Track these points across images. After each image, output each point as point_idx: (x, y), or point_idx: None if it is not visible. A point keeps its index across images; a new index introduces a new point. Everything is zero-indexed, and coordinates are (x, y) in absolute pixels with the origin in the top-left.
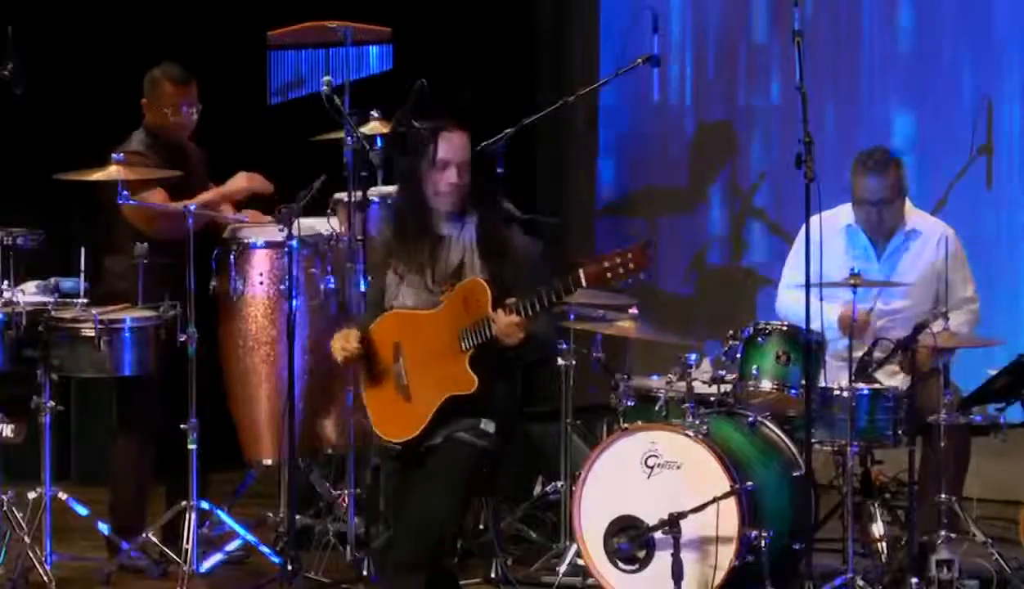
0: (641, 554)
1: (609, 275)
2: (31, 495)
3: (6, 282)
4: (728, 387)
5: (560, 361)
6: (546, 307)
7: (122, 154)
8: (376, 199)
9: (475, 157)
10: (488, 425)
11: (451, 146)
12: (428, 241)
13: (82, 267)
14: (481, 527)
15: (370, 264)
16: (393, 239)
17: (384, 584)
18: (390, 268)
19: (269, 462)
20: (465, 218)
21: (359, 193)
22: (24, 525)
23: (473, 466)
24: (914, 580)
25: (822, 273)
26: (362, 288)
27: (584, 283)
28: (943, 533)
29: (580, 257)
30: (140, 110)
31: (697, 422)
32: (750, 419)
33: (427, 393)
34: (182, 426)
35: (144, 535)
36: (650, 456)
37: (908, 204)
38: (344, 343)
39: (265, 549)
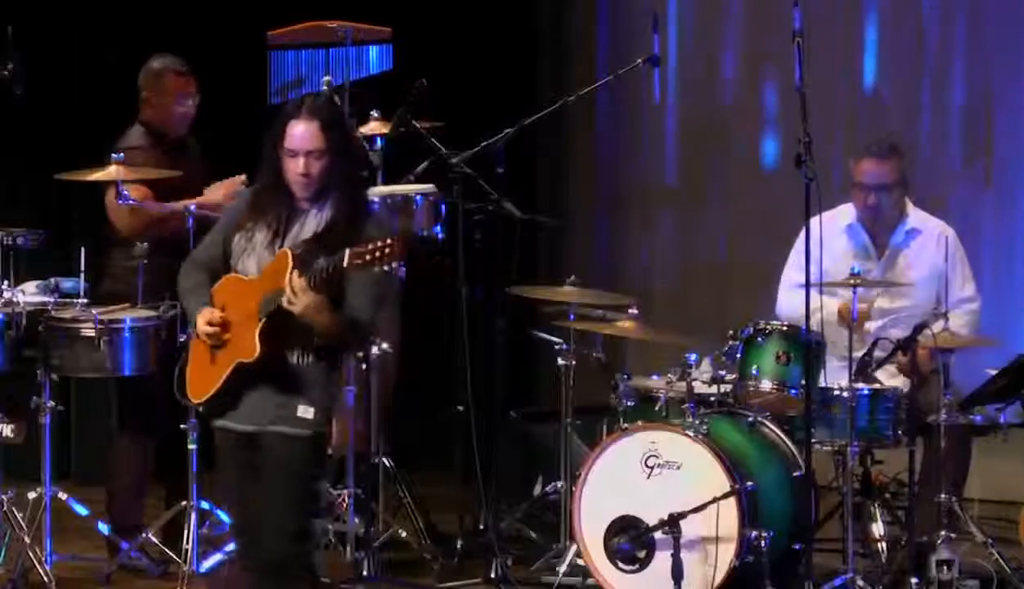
0: (641, 554)
1: (368, 258)
2: (31, 495)
3: (6, 282)
4: (728, 387)
5: (560, 361)
6: (324, 279)
7: (121, 152)
8: (376, 199)
9: (341, 143)
10: (307, 412)
11: (295, 136)
12: (285, 211)
13: (82, 267)
14: (481, 527)
15: (220, 226)
16: (250, 207)
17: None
18: (241, 230)
19: None
20: (327, 195)
21: None
22: (24, 525)
23: (304, 458)
24: (914, 580)
25: (822, 272)
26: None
27: (347, 263)
28: (943, 533)
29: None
30: (139, 109)
31: (697, 422)
32: (750, 419)
33: (224, 357)
34: (182, 426)
35: (144, 535)
36: (650, 456)
37: (909, 204)
38: (211, 318)
39: None
